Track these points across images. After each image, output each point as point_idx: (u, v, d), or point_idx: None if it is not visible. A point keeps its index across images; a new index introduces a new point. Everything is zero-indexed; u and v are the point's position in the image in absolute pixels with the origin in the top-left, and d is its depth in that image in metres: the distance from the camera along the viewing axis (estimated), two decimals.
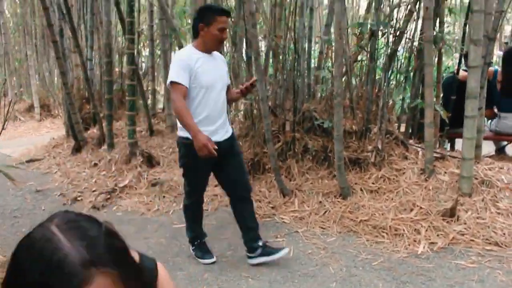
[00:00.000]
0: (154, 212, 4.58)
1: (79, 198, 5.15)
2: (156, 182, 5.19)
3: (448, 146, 5.50)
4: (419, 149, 4.48)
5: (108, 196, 5.05)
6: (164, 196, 4.90)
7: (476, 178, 3.98)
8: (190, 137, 2.96)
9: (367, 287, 2.98)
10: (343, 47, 3.86)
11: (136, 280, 0.76)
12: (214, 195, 4.75)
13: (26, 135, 10.82)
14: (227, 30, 3.16)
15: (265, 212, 4.25)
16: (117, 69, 7.64)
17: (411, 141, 4.80)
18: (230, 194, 3.43)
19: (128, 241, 2.51)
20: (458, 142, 4.83)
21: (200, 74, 3.03)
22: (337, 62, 3.76)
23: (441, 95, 4.99)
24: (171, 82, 3.02)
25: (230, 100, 3.47)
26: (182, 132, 3.12)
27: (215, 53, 3.23)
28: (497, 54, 9.54)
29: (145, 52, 7.95)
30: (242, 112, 5.77)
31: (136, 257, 1.01)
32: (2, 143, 9.73)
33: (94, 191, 5.27)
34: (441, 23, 4.31)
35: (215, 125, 3.13)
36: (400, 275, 3.09)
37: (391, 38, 4.24)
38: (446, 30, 5.07)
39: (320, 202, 4.14)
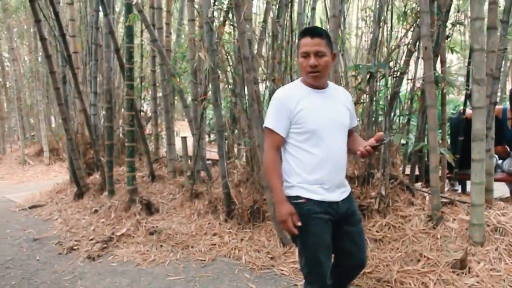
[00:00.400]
0: (149, 263, 4.38)
1: (75, 247, 4.98)
2: (154, 230, 5.01)
3: (459, 188, 5.26)
4: (426, 194, 4.25)
5: (105, 245, 4.88)
6: (161, 246, 4.72)
7: (488, 225, 3.72)
8: (303, 196, 2.37)
9: None
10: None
11: None
12: (212, 245, 4.55)
13: (34, 179, 10.83)
14: (316, 55, 2.31)
15: (263, 263, 4.03)
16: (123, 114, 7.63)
17: (418, 185, 4.58)
18: (338, 265, 2.62)
19: None
20: (470, 184, 4.61)
21: (303, 115, 2.35)
22: None
23: (447, 136, 4.79)
24: (265, 127, 2.46)
25: (351, 151, 2.58)
26: (286, 190, 2.44)
27: (332, 87, 2.52)
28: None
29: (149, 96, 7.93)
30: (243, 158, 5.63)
31: None
32: (9, 188, 9.75)
33: (91, 239, 5.11)
34: (442, 62, 4.17)
35: (328, 182, 2.39)
36: None
37: (390, 80, 4.10)
38: (454, 67, 4.92)
39: None
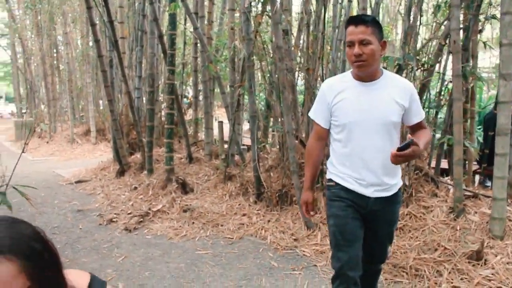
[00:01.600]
0: (181, 238, 4.67)
1: (114, 220, 5.36)
2: (187, 208, 5.32)
3: (490, 184, 5.25)
4: (450, 186, 4.31)
5: (141, 219, 5.23)
6: (193, 222, 5.01)
7: (510, 220, 3.77)
8: (334, 180, 2.39)
9: None
10: None
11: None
12: (241, 224, 4.80)
13: (81, 156, 11.46)
14: (361, 43, 2.17)
15: (287, 244, 4.23)
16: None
17: (446, 178, 4.63)
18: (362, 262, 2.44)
19: (150, 263, 2.63)
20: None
21: (339, 108, 2.30)
22: None
23: (478, 130, 4.80)
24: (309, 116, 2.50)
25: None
26: (327, 172, 2.48)
27: (387, 78, 2.31)
28: None
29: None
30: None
31: (84, 278, 1.08)
32: (59, 163, 10.40)
33: (129, 213, 5.48)
34: (473, 56, 4.19)
35: (361, 175, 2.29)
36: None
37: (418, 72, 4.17)
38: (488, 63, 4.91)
39: None
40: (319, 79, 4.85)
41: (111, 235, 4.84)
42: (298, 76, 5.21)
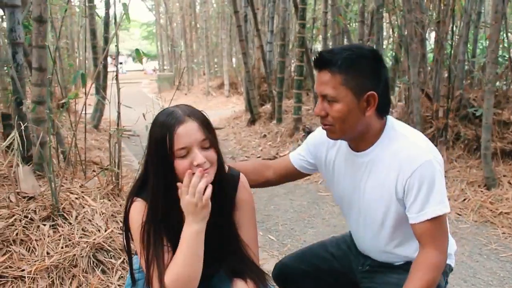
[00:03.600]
0: (305, 180, 5.08)
1: None
2: None
3: None
4: None
5: None
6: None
7: None
8: None
9: (485, 273, 2.99)
10: (500, 32, 3.73)
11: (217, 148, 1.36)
12: None
13: (215, 107, 12.48)
14: (324, 99, 1.41)
15: None
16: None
17: None
18: None
19: (276, 199, 3.26)
20: None
21: (330, 180, 1.68)
22: (491, 47, 3.68)
23: None
24: None
25: None
26: None
27: (383, 149, 1.46)
28: None
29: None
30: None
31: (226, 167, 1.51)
32: None
33: (258, 157, 6.07)
34: None
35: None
36: None
37: None
38: None
39: (462, 189, 4.12)
40: (450, 33, 4.76)
41: None
42: (428, 29, 5.15)
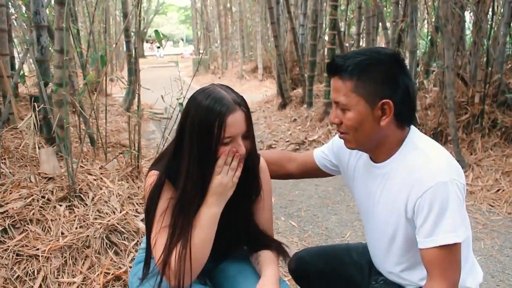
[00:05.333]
0: None
1: (273, 146, 5.94)
2: None
3: None
4: None
5: (297, 147, 5.70)
6: None
7: None
8: None
9: None
10: None
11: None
12: None
13: (248, 91, 12.43)
14: (336, 105, 1.36)
15: None
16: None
17: None
18: None
19: (301, 185, 3.30)
20: None
21: (351, 185, 1.60)
22: None
23: None
24: None
25: None
26: None
27: (397, 161, 1.36)
28: None
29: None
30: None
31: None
32: None
33: (287, 141, 6.00)
34: None
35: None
36: None
37: None
38: None
39: (497, 179, 3.93)
40: (490, 13, 4.51)
41: None
42: (467, 9, 4.90)
